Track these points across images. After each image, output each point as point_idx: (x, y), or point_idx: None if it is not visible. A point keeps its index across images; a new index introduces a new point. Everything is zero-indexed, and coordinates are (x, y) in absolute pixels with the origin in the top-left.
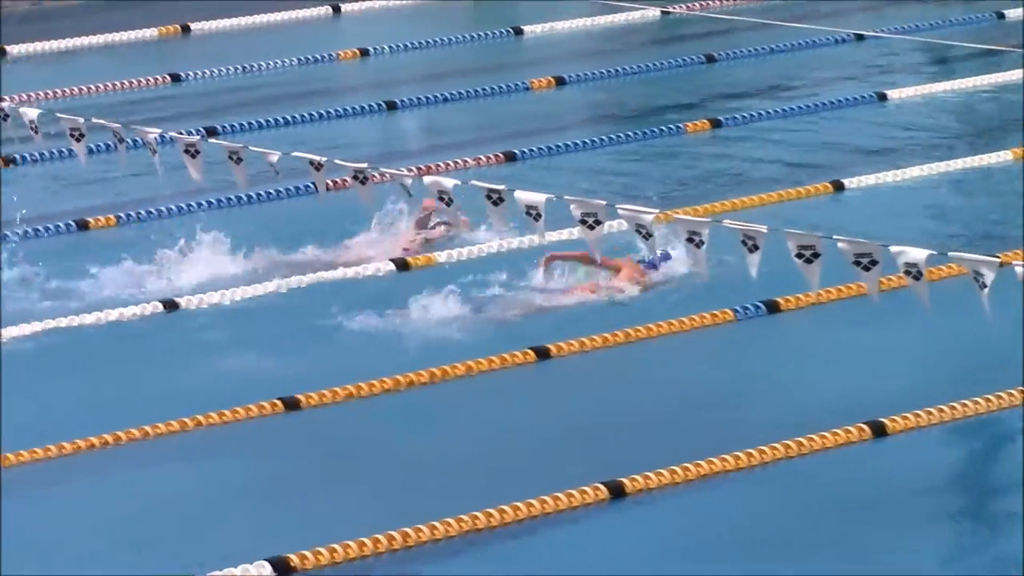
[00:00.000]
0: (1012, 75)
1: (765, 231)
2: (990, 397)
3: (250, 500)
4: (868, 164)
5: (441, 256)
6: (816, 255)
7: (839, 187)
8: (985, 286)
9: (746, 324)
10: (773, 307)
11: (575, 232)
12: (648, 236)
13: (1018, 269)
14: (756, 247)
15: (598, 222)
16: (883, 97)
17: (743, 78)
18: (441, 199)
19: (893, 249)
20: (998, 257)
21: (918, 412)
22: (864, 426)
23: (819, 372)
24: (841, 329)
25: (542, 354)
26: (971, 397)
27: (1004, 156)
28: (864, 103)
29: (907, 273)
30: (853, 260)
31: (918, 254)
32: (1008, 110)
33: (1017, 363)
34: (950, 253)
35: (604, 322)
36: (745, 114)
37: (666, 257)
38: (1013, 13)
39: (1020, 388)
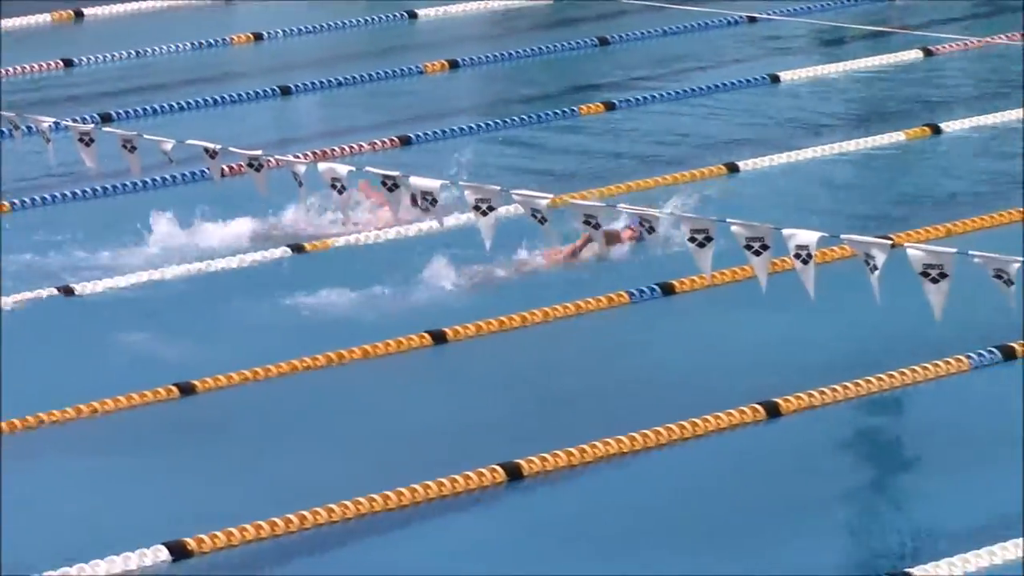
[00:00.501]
0: (903, 56)
1: (659, 215)
2: (882, 376)
3: (146, 485)
4: (762, 146)
5: (338, 241)
6: (709, 239)
7: (733, 169)
8: (876, 268)
9: (641, 307)
10: (668, 290)
11: (472, 216)
12: (543, 220)
13: (910, 251)
14: (653, 230)
15: (492, 208)
16: (776, 79)
17: (636, 61)
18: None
19: (785, 232)
20: (890, 239)
21: (811, 392)
22: (758, 406)
23: (714, 354)
24: (737, 311)
25: (438, 338)
26: (864, 377)
27: (897, 137)
28: (757, 85)
29: (797, 256)
30: (744, 244)
31: (809, 237)
32: (900, 92)
33: (909, 342)
34: (842, 236)
35: (500, 306)
36: (639, 97)
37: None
38: None
39: (912, 367)
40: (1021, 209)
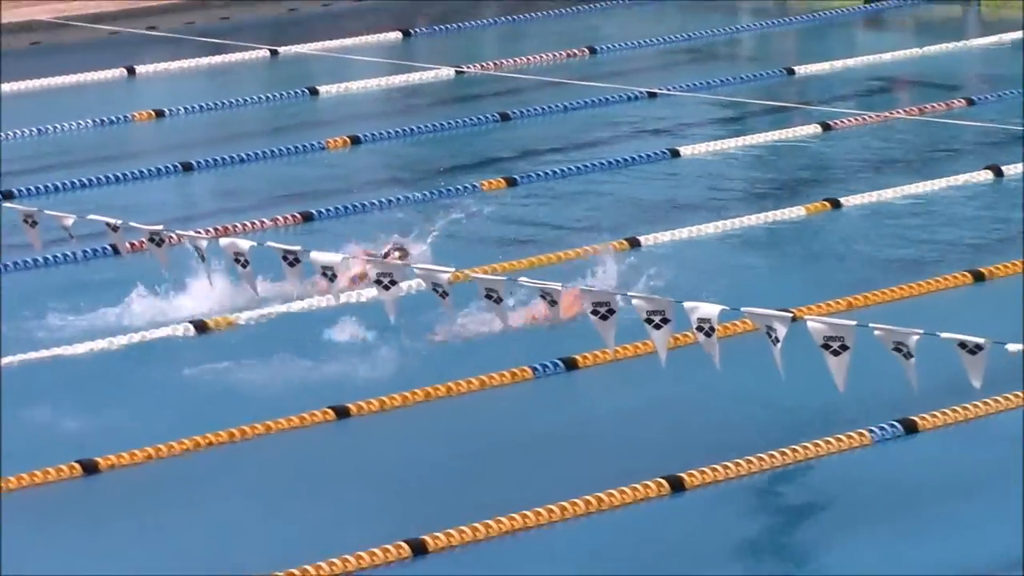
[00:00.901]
0: (802, 131)
1: (561, 288)
2: (786, 451)
3: (48, 563)
4: (663, 221)
5: (241, 317)
6: (611, 311)
7: (635, 244)
8: (778, 341)
9: (545, 381)
10: (571, 364)
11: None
12: (445, 295)
13: (810, 324)
14: (554, 303)
15: (394, 282)
16: (676, 154)
17: (538, 136)
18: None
19: (687, 305)
20: (791, 312)
21: (716, 467)
22: (663, 481)
23: (617, 429)
24: (640, 385)
25: (341, 413)
26: (768, 451)
27: (797, 212)
28: (657, 160)
29: (699, 329)
30: (645, 318)
31: (710, 310)
32: (799, 166)
33: (812, 416)
34: (743, 309)
35: (404, 381)
36: (540, 172)
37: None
38: (803, 70)
39: (815, 441)
40: (921, 283)
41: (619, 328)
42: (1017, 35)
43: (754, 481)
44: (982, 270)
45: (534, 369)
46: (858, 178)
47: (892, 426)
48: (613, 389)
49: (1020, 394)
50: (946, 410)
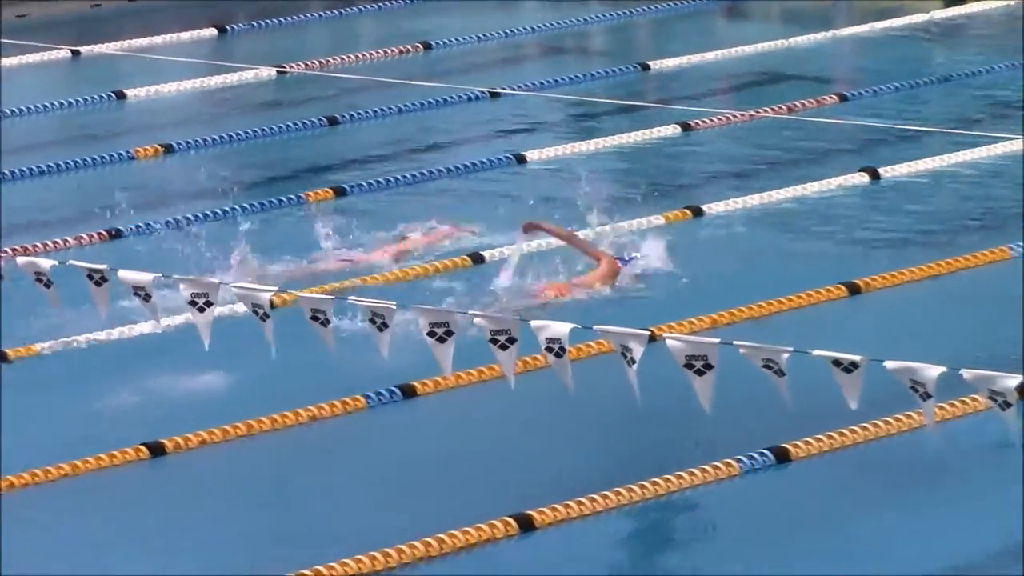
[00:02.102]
0: (659, 132)
1: (394, 307)
2: (646, 484)
3: None
4: (507, 231)
5: (45, 346)
6: (450, 333)
7: (478, 259)
8: (634, 361)
9: (380, 411)
10: (409, 392)
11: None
12: (266, 317)
13: (670, 343)
14: (385, 325)
15: (209, 303)
16: (521, 159)
17: (369, 142)
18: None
19: (534, 324)
20: (648, 331)
21: (568, 503)
22: (511, 520)
23: (461, 463)
24: (484, 413)
25: (156, 450)
26: (627, 484)
27: (655, 220)
28: (501, 166)
29: (549, 350)
30: (490, 338)
31: (560, 329)
32: (657, 170)
33: (675, 445)
34: (596, 327)
35: (225, 414)
36: (373, 180)
37: (632, 259)
38: (659, 65)
39: (679, 472)
40: (792, 297)
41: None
42: (892, 23)
43: (612, 516)
44: (858, 282)
45: (367, 398)
46: (722, 183)
47: (763, 455)
48: (455, 418)
49: (902, 417)
50: (820, 436)
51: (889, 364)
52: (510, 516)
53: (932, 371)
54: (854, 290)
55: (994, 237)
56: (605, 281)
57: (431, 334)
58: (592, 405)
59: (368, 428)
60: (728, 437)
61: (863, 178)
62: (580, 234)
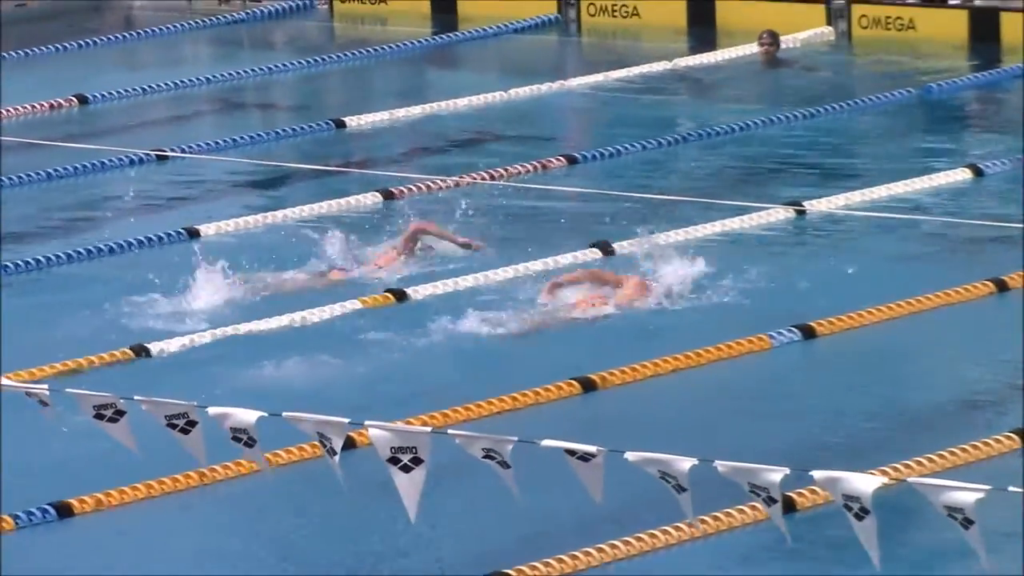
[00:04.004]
0: (358, 201)
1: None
2: None
3: None
4: (177, 323)
5: None
6: (120, 412)
7: (142, 352)
8: (335, 452)
9: (31, 531)
10: (65, 511)
11: None
12: None
13: (372, 432)
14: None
15: None
16: (194, 233)
17: (15, 215)
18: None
19: (212, 411)
20: (344, 420)
21: None
22: None
23: None
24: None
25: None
26: None
27: (351, 305)
28: (171, 242)
29: (236, 439)
30: (166, 423)
31: (245, 417)
32: (351, 244)
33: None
34: (285, 414)
35: None
36: (19, 261)
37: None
38: (356, 121)
39: None
40: (527, 393)
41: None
42: (629, 73)
43: None
44: (592, 377)
45: (16, 518)
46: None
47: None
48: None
49: (658, 533)
50: (577, 554)
51: (631, 455)
52: None
53: (683, 463)
54: (588, 386)
55: (755, 323)
56: (633, 299)
57: (98, 416)
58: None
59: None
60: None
61: (595, 254)
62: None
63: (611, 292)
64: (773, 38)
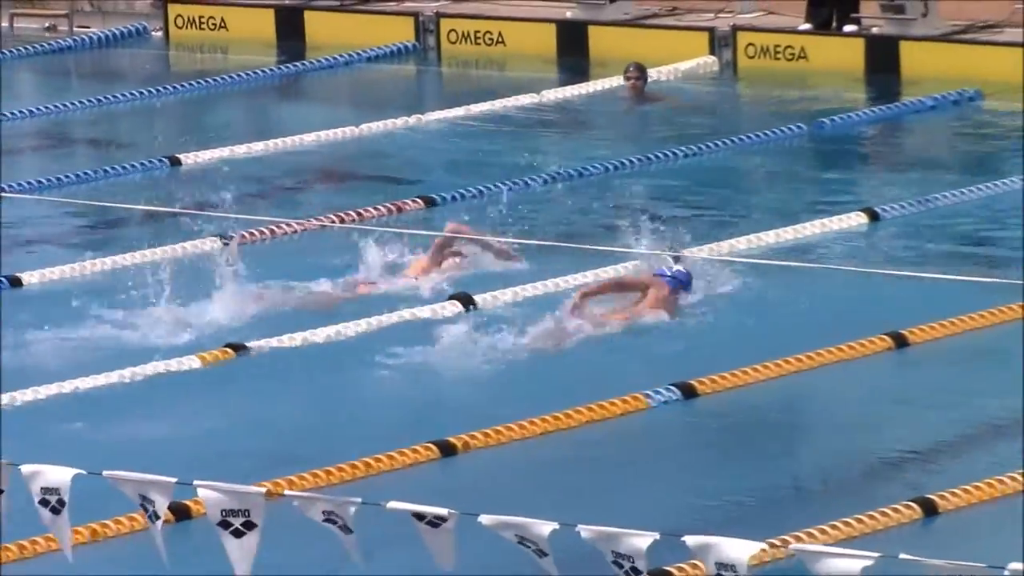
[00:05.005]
0: (194, 246)
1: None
2: None
3: None
4: None
5: None
6: None
7: None
8: (157, 517)
9: None
10: None
11: None
12: None
13: (202, 492)
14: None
15: None
16: (17, 282)
17: None
18: None
19: (25, 470)
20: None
21: None
22: None
23: None
24: None
25: None
26: None
27: (190, 362)
28: None
29: (44, 503)
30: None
31: (60, 476)
32: (189, 294)
33: None
34: (105, 473)
35: None
36: None
37: (686, 277)
38: (192, 159)
39: None
40: (391, 455)
41: None
42: (494, 106)
43: None
44: (452, 441)
45: None
46: (272, 320)
47: None
48: None
49: None
50: None
51: (485, 519)
52: None
53: (544, 527)
54: (448, 451)
55: (633, 380)
56: (657, 307)
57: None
58: None
59: None
60: None
61: (455, 307)
62: None
63: (634, 301)
64: (640, 71)
